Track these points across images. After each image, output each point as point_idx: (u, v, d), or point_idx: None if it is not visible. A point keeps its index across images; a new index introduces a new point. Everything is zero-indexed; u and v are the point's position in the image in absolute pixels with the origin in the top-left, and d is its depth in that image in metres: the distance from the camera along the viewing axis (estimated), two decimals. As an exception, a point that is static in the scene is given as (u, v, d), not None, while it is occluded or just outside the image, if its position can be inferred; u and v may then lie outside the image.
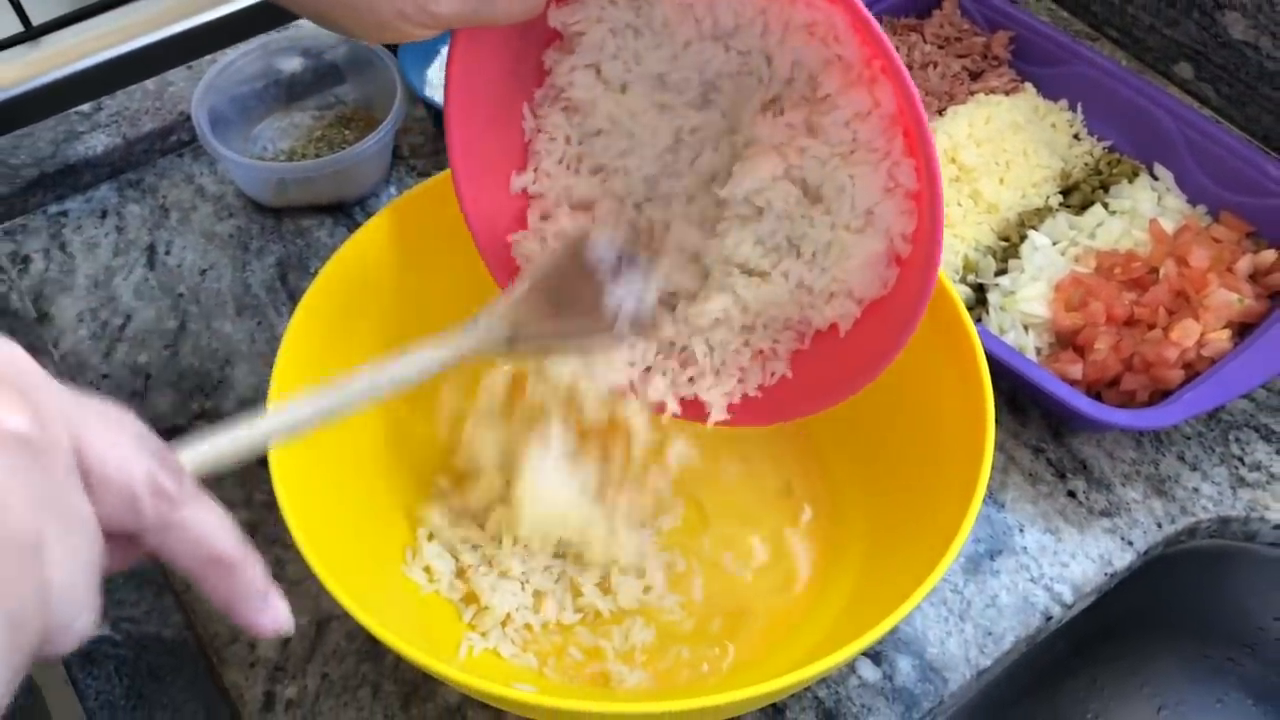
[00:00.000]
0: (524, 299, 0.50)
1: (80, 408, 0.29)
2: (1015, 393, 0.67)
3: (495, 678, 0.52)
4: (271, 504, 0.62)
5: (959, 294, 0.66)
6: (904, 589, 0.47)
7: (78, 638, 0.28)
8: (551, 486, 0.54)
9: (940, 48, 0.80)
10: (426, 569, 0.57)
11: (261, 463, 0.63)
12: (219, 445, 0.36)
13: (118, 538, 0.31)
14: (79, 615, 0.28)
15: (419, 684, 0.56)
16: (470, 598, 0.56)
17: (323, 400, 0.42)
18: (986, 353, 0.59)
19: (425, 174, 0.78)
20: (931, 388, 0.57)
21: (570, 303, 0.51)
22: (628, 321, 0.51)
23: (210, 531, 0.31)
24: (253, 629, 0.33)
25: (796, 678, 0.44)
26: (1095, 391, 0.64)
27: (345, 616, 0.58)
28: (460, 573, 0.57)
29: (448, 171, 0.61)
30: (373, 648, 0.57)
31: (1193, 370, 0.63)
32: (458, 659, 0.54)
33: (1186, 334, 0.63)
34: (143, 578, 0.59)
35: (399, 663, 0.57)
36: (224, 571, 0.32)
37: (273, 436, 0.39)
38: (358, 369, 0.44)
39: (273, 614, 0.33)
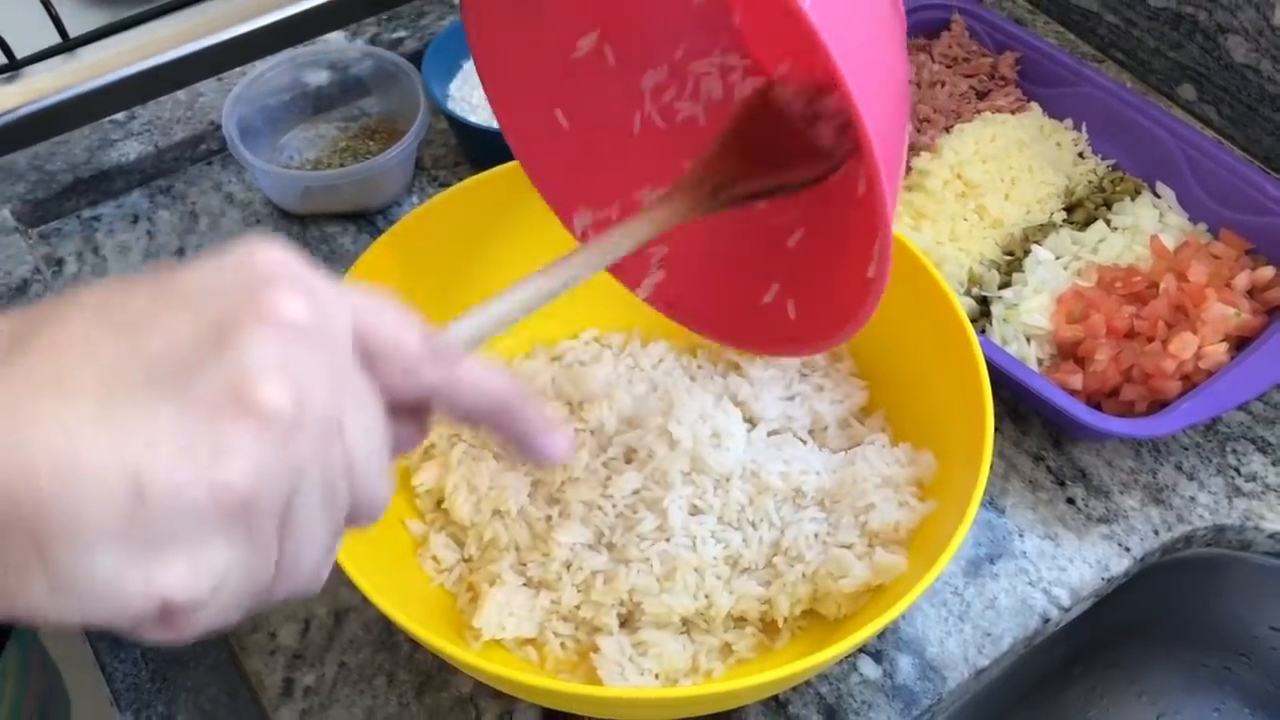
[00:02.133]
0: (717, 154, 0.50)
1: (351, 294, 0.31)
2: (1017, 402, 0.69)
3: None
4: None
5: (963, 306, 0.68)
6: (902, 588, 0.49)
7: (379, 510, 0.31)
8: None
9: (948, 67, 0.82)
10: (434, 559, 0.59)
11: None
12: (471, 324, 0.40)
13: (405, 413, 0.33)
14: (379, 489, 0.30)
15: (433, 673, 0.58)
16: (471, 588, 0.58)
17: (550, 279, 0.43)
18: (990, 362, 0.61)
19: (446, 184, 0.80)
20: (935, 394, 0.59)
21: (768, 145, 0.51)
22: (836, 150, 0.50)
23: (490, 379, 0.34)
24: (545, 455, 0.35)
25: (796, 668, 0.46)
26: (1095, 402, 0.66)
27: (362, 608, 0.60)
28: (467, 560, 0.59)
29: (467, 181, 0.63)
30: (389, 638, 0.59)
31: (1190, 382, 0.65)
32: (470, 647, 0.55)
33: (1184, 347, 0.64)
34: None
35: (414, 653, 0.59)
36: (511, 412, 0.34)
37: (514, 314, 0.41)
38: (585, 245, 0.45)
39: (560, 440, 0.36)
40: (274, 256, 0.29)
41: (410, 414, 0.34)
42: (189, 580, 0.25)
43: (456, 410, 0.34)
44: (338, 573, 0.52)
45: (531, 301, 0.42)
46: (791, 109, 0.51)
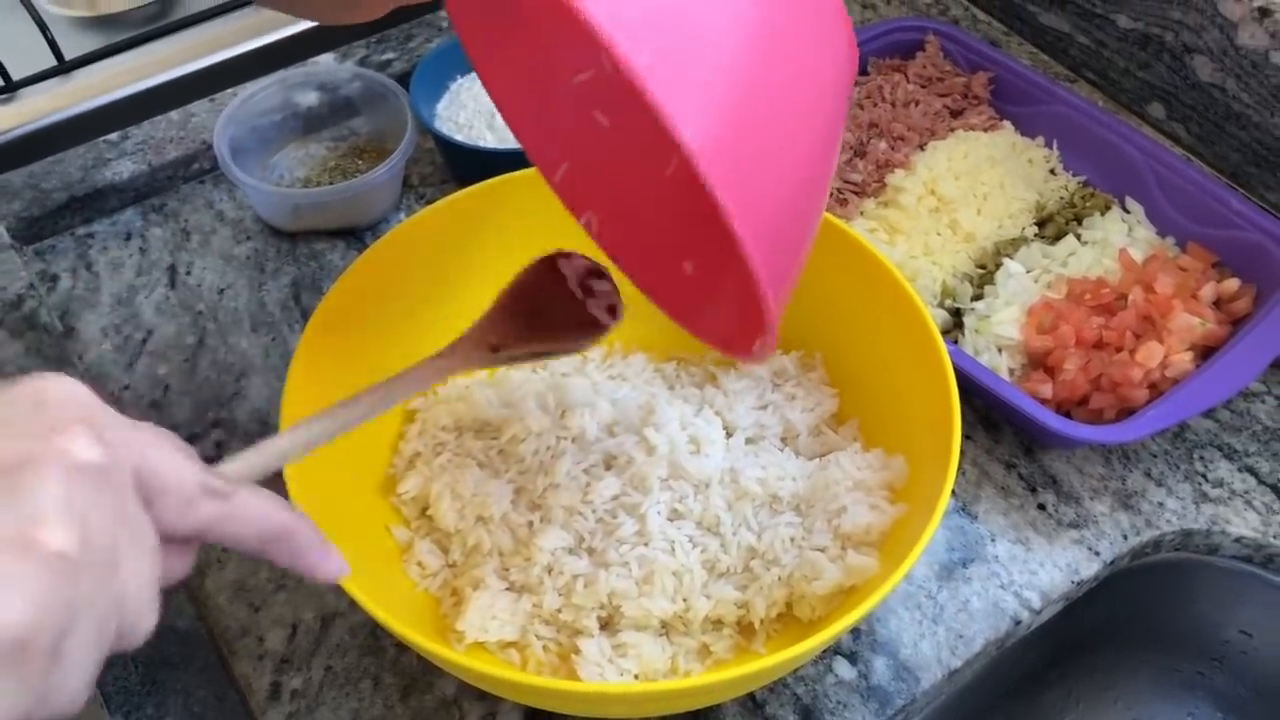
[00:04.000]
0: (499, 317, 0.56)
1: (136, 432, 0.33)
2: (989, 411, 0.70)
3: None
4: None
5: (936, 317, 0.70)
6: (874, 589, 0.50)
7: (142, 637, 0.33)
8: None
9: (923, 86, 0.84)
10: (419, 564, 0.60)
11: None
12: (249, 460, 0.41)
13: (177, 544, 0.35)
14: (145, 617, 0.32)
15: (417, 676, 0.59)
16: (455, 592, 0.59)
17: (331, 420, 0.47)
18: (962, 372, 0.63)
19: (433, 201, 0.81)
20: (905, 401, 0.60)
21: (545, 313, 0.56)
22: (606, 326, 0.56)
23: (262, 511, 0.36)
24: (319, 577, 0.38)
25: (772, 661, 0.47)
26: (1065, 410, 0.67)
27: (349, 613, 0.62)
28: (452, 566, 0.61)
29: (451, 196, 0.65)
30: (374, 642, 0.60)
31: (1157, 390, 0.67)
32: (454, 650, 0.56)
33: (1151, 356, 0.66)
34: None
35: (399, 656, 0.60)
36: (284, 540, 0.36)
37: (292, 453, 0.44)
38: (360, 390, 0.49)
39: (333, 561, 0.38)
40: (66, 393, 0.31)
41: (181, 544, 0.36)
42: None
43: (232, 540, 0.36)
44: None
45: (311, 441, 0.45)
46: (571, 282, 0.57)
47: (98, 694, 0.58)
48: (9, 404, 0.30)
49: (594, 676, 0.55)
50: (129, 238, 0.81)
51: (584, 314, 0.56)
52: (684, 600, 0.57)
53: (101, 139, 0.85)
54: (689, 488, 0.60)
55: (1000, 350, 0.70)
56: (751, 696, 0.59)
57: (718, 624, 0.58)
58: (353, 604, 0.56)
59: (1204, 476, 0.68)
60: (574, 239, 0.67)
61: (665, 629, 0.58)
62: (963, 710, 0.69)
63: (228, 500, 0.35)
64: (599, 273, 0.57)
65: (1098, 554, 0.64)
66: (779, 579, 0.57)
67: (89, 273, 0.79)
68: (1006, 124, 0.83)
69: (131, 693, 0.58)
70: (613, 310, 0.57)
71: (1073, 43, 0.91)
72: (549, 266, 0.57)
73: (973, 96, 0.84)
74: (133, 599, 0.31)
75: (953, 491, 0.66)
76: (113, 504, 0.30)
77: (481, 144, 0.79)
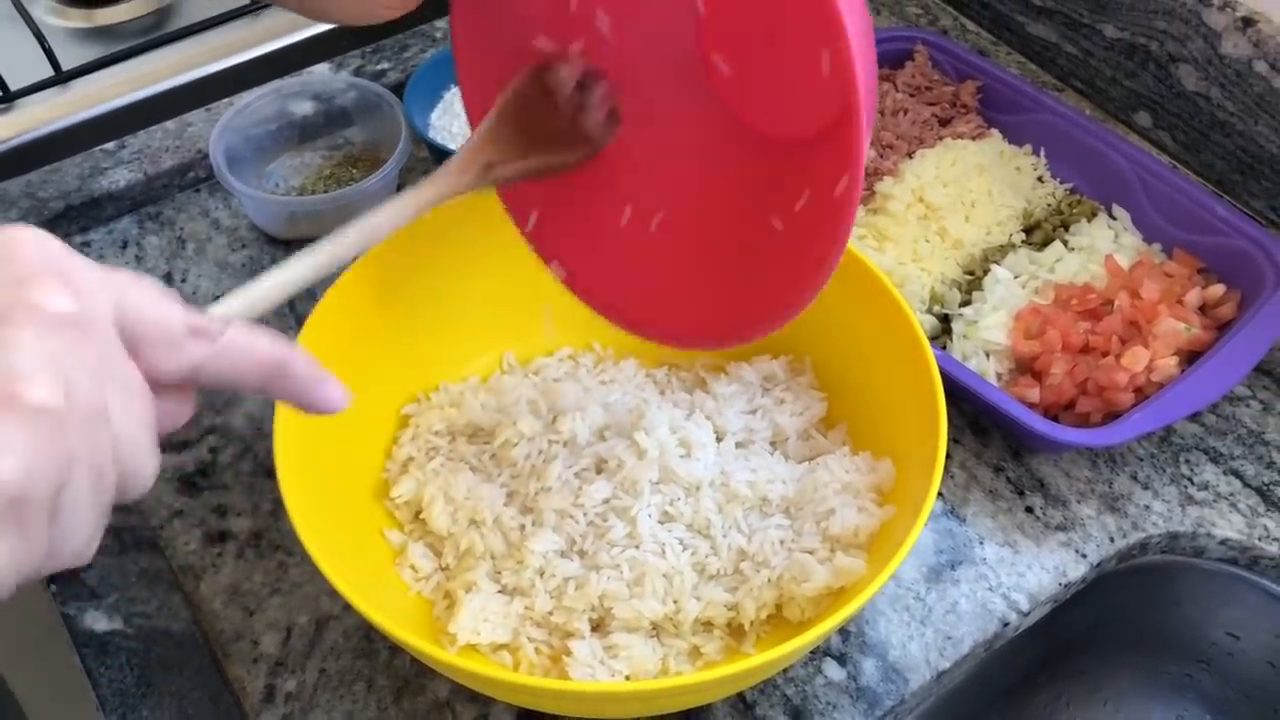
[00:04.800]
0: (493, 132, 0.53)
1: (111, 275, 0.32)
2: (977, 416, 0.71)
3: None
4: (276, 512, 0.66)
5: (924, 323, 0.71)
6: (862, 590, 0.50)
7: (144, 486, 0.32)
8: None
9: (911, 95, 0.85)
10: (412, 567, 0.61)
11: (268, 473, 0.67)
12: (235, 301, 0.40)
13: (172, 389, 0.34)
14: (144, 465, 0.32)
15: (410, 679, 0.60)
16: (448, 595, 0.60)
17: (319, 255, 0.45)
18: (950, 377, 0.64)
19: (427, 210, 0.82)
20: (893, 405, 0.61)
21: (538, 126, 0.54)
22: (599, 136, 0.55)
23: (254, 344, 0.35)
24: (321, 407, 0.37)
25: (761, 659, 0.48)
26: (1052, 414, 0.68)
27: (343, 616, 0.62)
28: (444, 569, 0.61)
29: (442, 205, 0.66)
30: (368, 645, 0.61)
31: (1143, 395, 0.67)
32: (447, 651, 0.57)
33: (1136, 360, 0.67)
34: (154, 576, 0.63)
35: (392, 659, 0.60)
36: (280, 373, 0.35)
37: (278, 292, 0.42)
38: (350, 223, 0.47)
39: (333, 388, 0.37)
40: (34, 246, 0.30)
41: (177, 389, 0.35)
42: None
43: (226, 380, 0.35)
44: (320, 581, 0.55)
45: (298, 279, 0.44)
46: (562, 93, 0.54)
47: (93, 696, 0.58)
48: None
49: (585, 678, 0.56)
50: (125, 246, 0.82)
51: (577, 128, 0.55)
52: (675, 602, 0.58)
53: (98, 148, 0.85)
54: (679, 491, 0.60)
55: (988, 355, 0.70)
56: (742, 697, 0.59)
57: (708, 626, 0.59)
58: (346, 607, 0.57)
59: (1190, 480, 0.69)
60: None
61: (656, 631, 0.59)
62: (953, 713, 0.70)
63: (216, 339, 0.34)
64: (592, 78, 0.54)
65: (1085, 556, 0.65)
66: (769, 581, 0.58)
67: (85, 280, 0.79)
68: (994, 132, 0.84)
69: (126, 695, 0.59)
70: (612, 116, 0.55)
71: (1060, 52, 0.92)
72: (536, 77, 0.54)
73: (961, 105, 0.85)
74: (129, 446, 0.31)
75: (941, 495, 0.67)
76: (95, 353, 0.30)
77: (475, 152, 0.80)
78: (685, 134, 0.57)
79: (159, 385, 0.34)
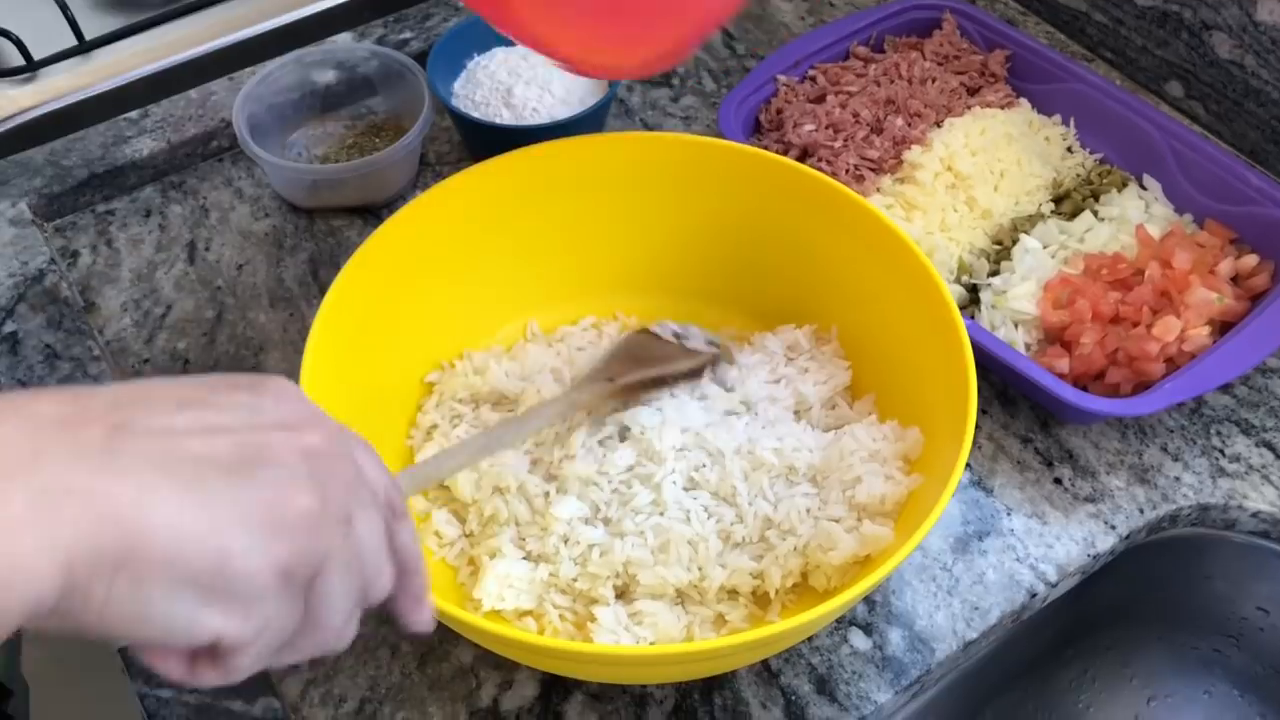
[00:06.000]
0: (611, 360, 0.64)
1: (347, 433, 0.39)
2: (1005, 386, 0.70)
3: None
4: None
5: (952, 293, 0.70)
6: (889, 559, 0.50)
7: (384, 591, 0.38)
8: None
9: (940, 64, 0.84)
10: (436, 534, 0.60)
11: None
12: (407, 478, 0.51)
13: None
14: (382, 573, 0.38)
15: (434, 645, 0.60)
16: (472, 561, 0.60)
17: (472, 448, 0.56)
18: (979, 347, 0.63)
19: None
20: (921, 373, 0.60)
21: (650, 357, 0.64)
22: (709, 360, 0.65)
23: (408, 543, 0.40)
24: (407, 623, 0.41)
25: (787, 625, 0.47)
26: (1081, 384, 0.67)
27: (367, 582, 0.62)
28: (469, 535, 0.61)
29: (464, 173, 0.65)
30: (392, 611, 0.61)
31: (1174, 365, 0.66)
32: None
33: (1168, 330, 0.66)
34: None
35: (416, 625, 0.60)
36: (405, 576, 0.40)
37: (439, 476, 0.55)
38: (489, 427, 0.56)
39: (426, 613, 0.42)
40: (292, 396, 0.38)
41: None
42: (241, 624, 0.33)
43: (388, 554, 0.39)
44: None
45: (457, 466, 0.56)
46: (664, 336, 0.66)
47: (122, 668, 0.58)
48: (249, 401, 0.36)
49: (610, 643, 0.55)
50: (149, 214, 0.81)
51: (683, 350, 0.64)
52: (699, 569, 0.57)
53: (121, 117, 0.85)
54: (705, 457, 0.60)
55: (1017, 325, 0.69)
56: (767, 665, 0.59)
57: (733, 594, 0.59)
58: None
59: (1221, 451, 0.68)
60: (591, 206, 0.67)
61: (680, 598, 0.58)
62: (979, 688, 0.69)
63: (396, 520, 0.40)
64: (685, 331, 0.66)
65: (1114, 528, 0.64)
66: (794, 549, 0.58)
67: (109, 249, 0.79)
68: (1023, 101, 0.83)
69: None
70: (710, 343, 0.66)
71: (1090, 21, 0.91)
72: (642, 332, 0.66)
73: (989, 74, 0.84)
74: (371, 553, 0.37)
75: (968, 466, 0.66)
76: (344, 479, 0.37)
77: (497, 121, 0.79)
78: None
79: None
